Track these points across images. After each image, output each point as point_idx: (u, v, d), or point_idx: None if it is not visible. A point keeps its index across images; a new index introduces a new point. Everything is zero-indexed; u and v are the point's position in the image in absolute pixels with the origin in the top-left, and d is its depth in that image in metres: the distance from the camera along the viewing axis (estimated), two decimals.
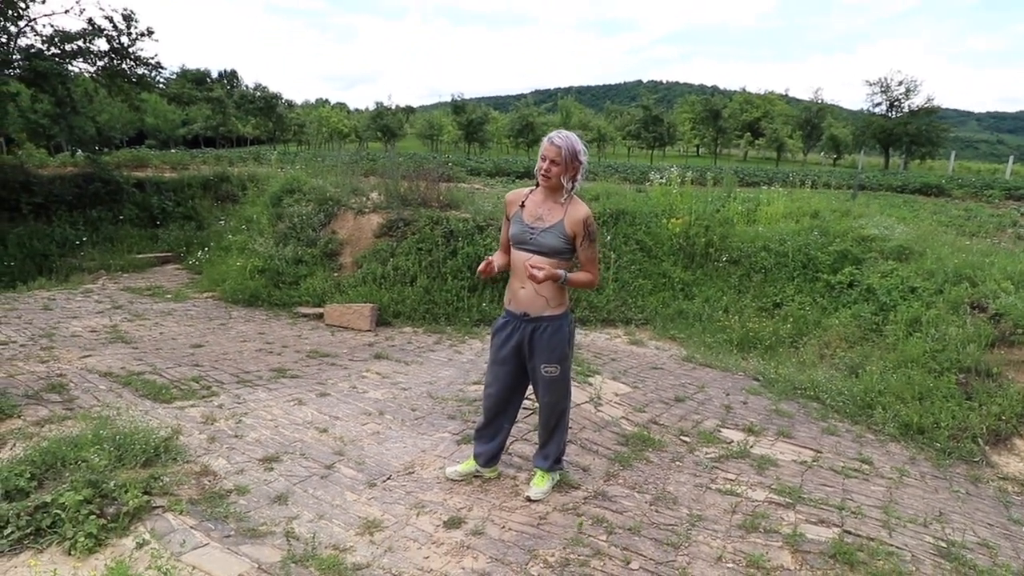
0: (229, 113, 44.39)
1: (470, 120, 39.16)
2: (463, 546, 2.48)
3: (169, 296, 7.63)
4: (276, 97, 45.78)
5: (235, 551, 2.33)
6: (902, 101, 35.49)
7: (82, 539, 2.22)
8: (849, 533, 2.64)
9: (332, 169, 10.01)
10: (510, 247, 2.72)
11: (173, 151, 20.85)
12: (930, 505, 3.19)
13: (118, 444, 2.84)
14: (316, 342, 5.91)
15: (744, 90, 42.19)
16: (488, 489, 2.97)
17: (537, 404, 2.93)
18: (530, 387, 2.90)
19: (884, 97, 36.07)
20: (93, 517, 2.30)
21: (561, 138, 2.51)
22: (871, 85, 37.10)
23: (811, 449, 3.93)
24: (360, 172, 9.85)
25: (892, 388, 4.73)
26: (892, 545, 2.55)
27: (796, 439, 4.08)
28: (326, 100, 68.92)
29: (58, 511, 2.30)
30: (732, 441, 3.91)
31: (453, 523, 2.65)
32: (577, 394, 4.35)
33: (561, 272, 2.53)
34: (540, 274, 2.43)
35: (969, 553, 2.62)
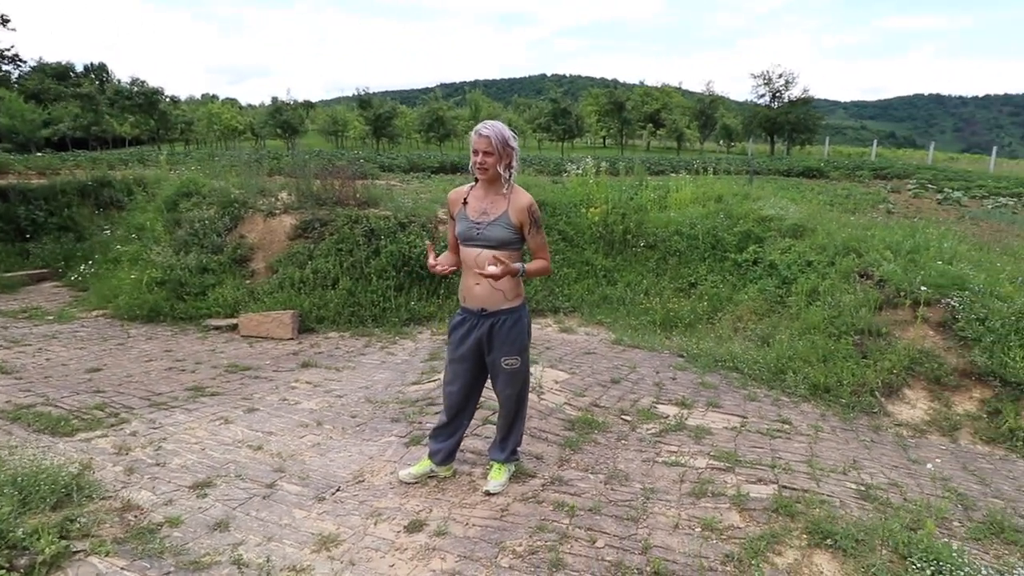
0: (102, 111, 40.03)
1: (378, 115, 37.70)
2: (428, 548, 2.42)
3: (51, 317, 6.80)
4: (157, 92, 41.78)
5: None
6: (782, 92, 39.06)
7: None
8: (785, 488, 2.86)
9: (232, 169, 9.35)
10: (458, 245, 2.68)
11: (39, 155, 18.54)
12: (844, 455, 3.53)
13: (19, 487, 2.50)
14: (233, 355, 5.52)
15: (642, 83, 44.25)
16: (445, 488, 2.92)
17: (487, 398, 2.91)
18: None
19: (767, 89, 39.49)
20: (3, 572, 2.00)
21: (488, 128, 2.49)
22: (755, 78, 40.44)
23: (737, 416, 4.21)
24: (264, 171, 9.28)
25: (800, 353, 5.16)
26: (822, 494, 2.79)
27: (723, 408, 4.35)
28: (214, 95, 63.98)
29: None
30: (668, 416, 4.09)
31: (414, 527, 2.58)
32: None
33: (519, 265, 2.53)
34: (497, 270, 2.42)
35: (883, 493, 2.93)
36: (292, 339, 6.17)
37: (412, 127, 41.00)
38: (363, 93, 40.19)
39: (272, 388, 4.55)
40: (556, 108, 37.07)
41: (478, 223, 2.58)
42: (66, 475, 2.75)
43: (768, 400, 4.64)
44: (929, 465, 3.33)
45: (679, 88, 45.51)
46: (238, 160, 10.32)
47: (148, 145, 41.11)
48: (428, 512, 2.71)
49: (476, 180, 2.67)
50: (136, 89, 40.98)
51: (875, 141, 31.93)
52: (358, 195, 8.19)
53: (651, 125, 42.30)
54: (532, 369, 4.81)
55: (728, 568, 2.22)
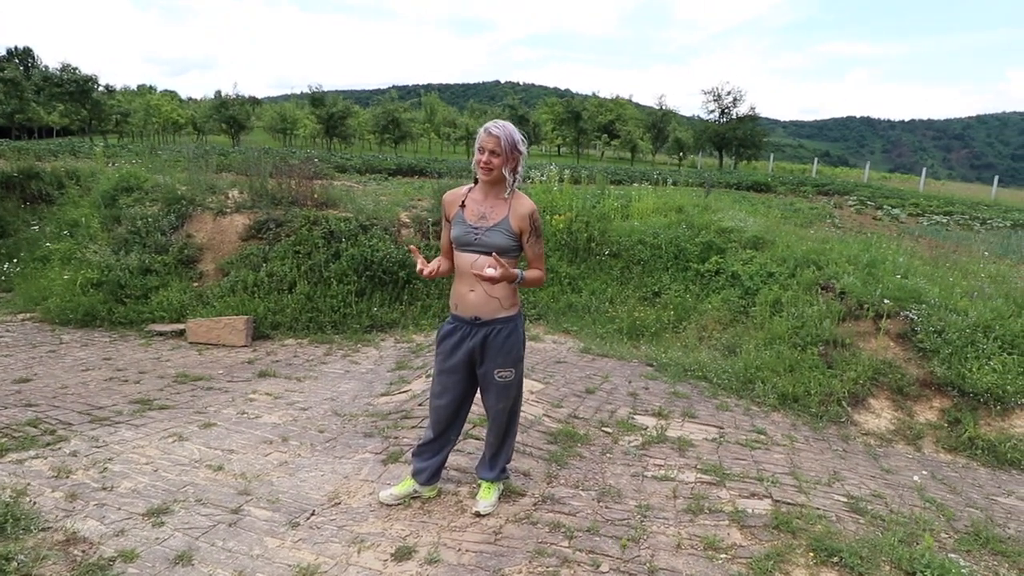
0: (28, 98, 37.05)
1: (331, 114, 36.41)
2: None
3: None
4: (91, 80, 39.00)
5: None
6: (731, 109, 40.78)
7: None
8: (779, 502, 2.83)
9: (177, 164, 8.79)
10: (452, 250, 2.52)
11: None
12: (824, 465, 3.57)
13: None
14: (182, 364, 5.11)
15: (595, 94, 45.05)
16: (431, 510, 2.74)
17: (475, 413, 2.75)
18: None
19: (717, 105, 41.16)
20: None
21: (498, 127, 2.36)
22: (706, 94, 42.11)
23: (714, 426, 4.20)
24: (212, 168, 8.75)
25: (767, 363, 5.24)
26: (816, 508, 2.78)
27: (699, 419, 4.34)
28: (151, 86, 60.44)
29: None
30: (647, 427, 4.04)
31: (402, 554, 2.39)
32: None
33: (518, 272, 2.39)
34: (496, 273, 2.27)
35: (869, 505, 2.95)
36: (246, 346, 5.79)
37: (365, 127, 39.95)
38: (316, 90, 38.87)
39: (228, 400, 4.22)
40: (514, 115, 37.12)
41: (476, 228, 2.43)
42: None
43: (739, 410, 4.67)
44: (916, 477, 3.40)
45: (630, 100, 46.71)
46: (184, 155, 9.69)
47: (78, 136, 38.36)
48: (416, 537, 2.52)
49: (476, 181, 2.52)
50: (66, 76, 38.19)
51: (816, 159, 33.95)
52: (316, 195, 7.84)
53: (606, 135, 43.16)
54: None
55: None
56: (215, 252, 6.87)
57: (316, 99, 37.30)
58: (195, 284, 6.50)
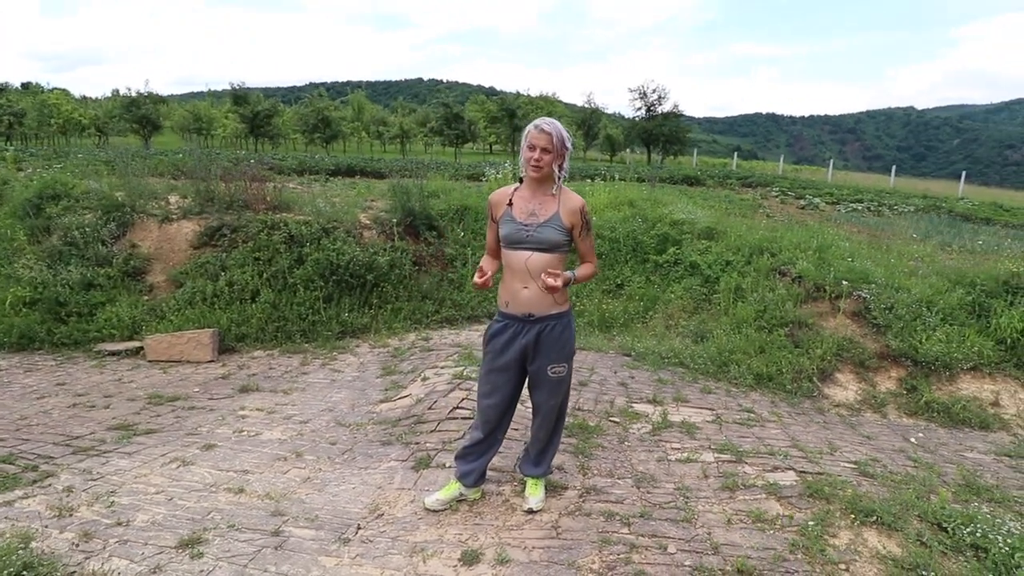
0: None
1: (256, 112, 34.32)
2: None
3: None
4: None
5: None
6: (656, 106, 42.61)
7: None
8: (803, 473, 3.05)
9: (106, 168, 8.07)
10: (500, 249, 2.52)
11: None
12: (816, 436, 3.86)
13: None
14: (149, 384, 4.74)
15: (518, 92, 45.57)
16: (481, 512, 2.72)
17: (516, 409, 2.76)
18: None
19: (643, 103, 42.90)
20: None
21: (550, 124, 2.38)
22: (632, 92, 43.85)
23: (707, 409, 4.43)
24: (146, 172, 8.12)
25: (738, 347, 5.57)
26: (835, 475, 3.02)
27: (691, 402, 4.56)
28: (38, 84, 54.45)
29: None
30: (648, 414, 4.19)
31: (470, 558, 2.37)
32: None
33: (570, 274, 2.43)
34: (558, 282, 2.31)
35: (872, 468, 3.24)
36: (213, 361, 5.44)
37: (290, 126, 37.96)
38: (238, 87, 36.36)
39: (218, 419, 3.96)
40: (448, 113, 36.62)
41: (527, 225, 2.44)
42: (9, 553, 2.14)
43: (722, 392, 4.94)
44: (912, 439, 3.75)
45: (553, 97, 47.56)
46: (116, 158, 8.90)
47: None
48: (475, 540, 2.51)
49: (520, 180, 2.53)
50: None
51: (735, 153, 36.35)
52: (269, 198, 7.47)
53: None
54: None
55: (798, 556, 2.32)
56: (165, 262, 6.38)
57: (239, 97, 34.93)
58: (146, 298, 6.02)
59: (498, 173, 9.37)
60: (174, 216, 6.78)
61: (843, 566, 2.24)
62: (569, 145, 2.45)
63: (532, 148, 2.38)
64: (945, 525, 2.43)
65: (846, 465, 3.24)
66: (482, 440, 2.69)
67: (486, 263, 2.60)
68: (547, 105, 43.54)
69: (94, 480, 2.97)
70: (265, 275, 6.32)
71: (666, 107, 42.63)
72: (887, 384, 4.86)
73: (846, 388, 4.89)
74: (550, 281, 2.32)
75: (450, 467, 3.13)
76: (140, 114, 34.14)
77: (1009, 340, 4.91)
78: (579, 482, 3.01)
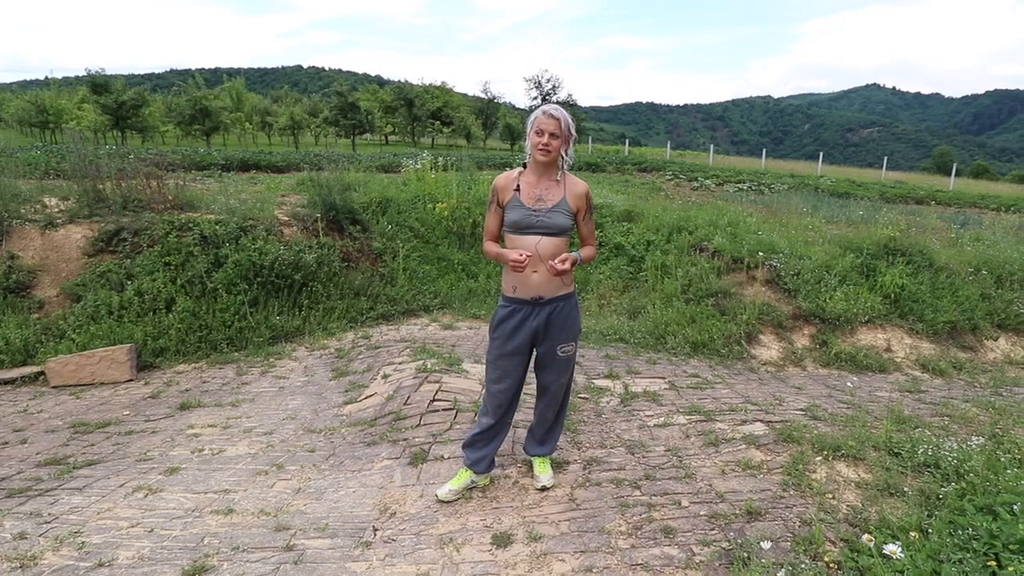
0: None
1: (120, 102, 29.94)
2: (538, 555, 2.29)
3: None
4: None
5: None
6: (551, 95, 43.71)
7: None
8: (769, 423, 3.40)
9: None
10: (506, 234, 2.54)
11: None
12: (761, 391, 4.30)
13: None
14: (64, 412, 4.18)
15: (407, 81, 44.66)
16: (494, 496, 2.75)
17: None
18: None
19: (538, 92, 43.93)
20: None
21: (558, 110, 2.44)
22: (527, 81, 44.83)
23: (660, 377, 4.75)
24: (13, 172, 7.03)
25: (672, 319, 6.00)
26: (796, 421, 3.40)
27: (643, 374, 4.86)
28: None
29: None
30: (610, 388, 4.42)
31: (503, 540, 2.40)
32: (470, 384, 4.26)
33: (576, 254, 2.51)
34: (567, 265, 2.39)
35: (818, 412, 3.68)
36: (133, 380, 4.91)
37: (159, 117, 33.83)
38: (96, 74, 31.50)
39: (167, 441, 3.60)
40: (343, 102, 34.61)
41: (536, 210, 2.48)
42: None
43: (665, 361, 5.30)
44: (848, 383, 4.26)
45: (447, 85, 47.28)
46: None
47: None
48: (499, 523, 2.54)
49: (524, 166, 2.57)
50: None
51: (626, 141, 38.49)
52: (172, 197, 6.80)
53: (438, 122, 43.19)
54: (464, 366, 4.71)
55: (790, 492, 2.61)
56: (54, 274, 5.60)
57: (99, 85, 30.18)
58: (37, 315, 5.25)
59: (416, 164, 9.20)
60: (58, 221, 5.96)
61: (830, 495, 2.56)
62: (574, 131, 2.52)
63: (540, 133, 2.42)
64: (897, 451, 2.85)
65: (797, 412, 3.66)
66: (493, 425, 2.71)
67: (491, 247, 2.60)
68: (443, 94, 43.05)
69: (48, 523, 2.60)
70: (179, 281, 5.77)
71: (561, 96, 44.06)
72: (802, 341, 5.50)
73: (769, 348, 5.46)
74: (559, 266, 2.39)
75: (448, 458, 3.12)
76: None
77: (893, 295, 5.75)
78: (577, 456, 3.13)
